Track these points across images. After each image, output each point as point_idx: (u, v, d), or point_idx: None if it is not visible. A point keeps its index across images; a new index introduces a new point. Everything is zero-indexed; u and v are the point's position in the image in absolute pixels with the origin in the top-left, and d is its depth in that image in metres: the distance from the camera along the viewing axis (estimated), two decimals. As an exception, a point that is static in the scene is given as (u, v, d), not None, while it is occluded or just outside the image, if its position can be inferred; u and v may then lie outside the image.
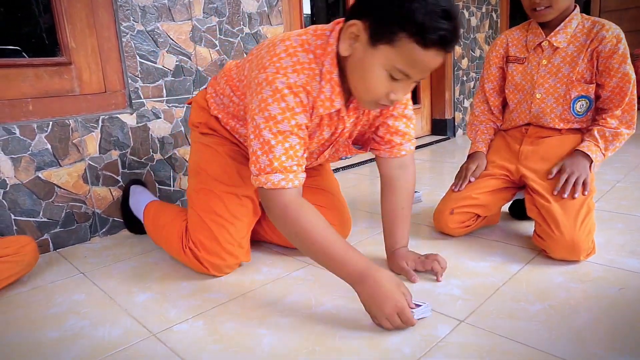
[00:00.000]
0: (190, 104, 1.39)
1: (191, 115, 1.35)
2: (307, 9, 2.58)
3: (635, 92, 1.36)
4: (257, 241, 1.49)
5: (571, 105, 1.42)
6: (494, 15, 3.71)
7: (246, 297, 1.13)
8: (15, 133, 1.42)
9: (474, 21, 3.48)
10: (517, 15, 4.20)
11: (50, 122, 1.48)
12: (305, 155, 1.01)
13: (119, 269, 1.35)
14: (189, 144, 1.61)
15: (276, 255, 1.39)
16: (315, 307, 1.07)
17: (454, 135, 3.48)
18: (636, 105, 1.38)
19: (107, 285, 1.25)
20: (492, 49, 1.56)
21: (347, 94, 1.04)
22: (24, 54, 1.54)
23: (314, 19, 2.68)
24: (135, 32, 1.63)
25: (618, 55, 1.33)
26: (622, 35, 1.35)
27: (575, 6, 1.40)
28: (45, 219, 1.50)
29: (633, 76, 1.34)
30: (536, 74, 1.44)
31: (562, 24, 1.39)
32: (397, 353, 0.88)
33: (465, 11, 3.36)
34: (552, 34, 1.40)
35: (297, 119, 0.97)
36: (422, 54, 0.87)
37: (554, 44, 1.40)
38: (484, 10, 3.58)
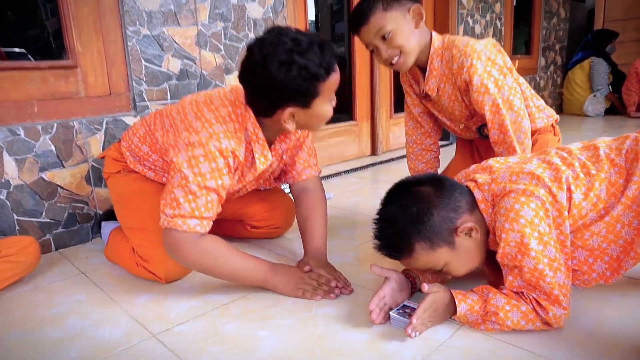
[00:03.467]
0: (103, 157, 1.44)
1: (106, 167, 1.41)
2: (311, 16, 2.60)
3: (500, 99, 1.27)
4: (257, 246, 1.49)
5: (478, 132, 1.46)
6: (498, 24, 3.72)
7: (247, 299, 1.14)
8: (19, 134, 1.43)
9: (478, 29, 3.49)
10: (521, 23, 4.22)
11: (55, 124, 1.49)
12: (219, 210, 1.12)
13: (120, 270, 1.35)
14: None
15: (277, 257, 1.39)
16: (316, 309, 1.07)
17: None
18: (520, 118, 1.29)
19: (108, 285, 1.25)
20: (402, 80, 1.55)
21: (268, 144, 1.20)
22: (30, 57, 1.56)
23: (318, 25, 2.70)
24: (141, 36, 1.64)
25: (467, 68, 1.27)
26: (469, 49, 1.27)
27: (430, 38, 1.33)
28: (48, 220, 1.51)
29: (490, 87, 1.26)
30: (440, 113, 1.50)
31: (428, 69, 1.35)
32: (397, 356, 0.88)
33: (469, 19, 3.37)
34: (424, 82, 1.39)
35: (223, 180, 1.09)
36: (332, 79, 1.07)
37: (430, 93, 1.40)
38: (488, 18, 3.59)
